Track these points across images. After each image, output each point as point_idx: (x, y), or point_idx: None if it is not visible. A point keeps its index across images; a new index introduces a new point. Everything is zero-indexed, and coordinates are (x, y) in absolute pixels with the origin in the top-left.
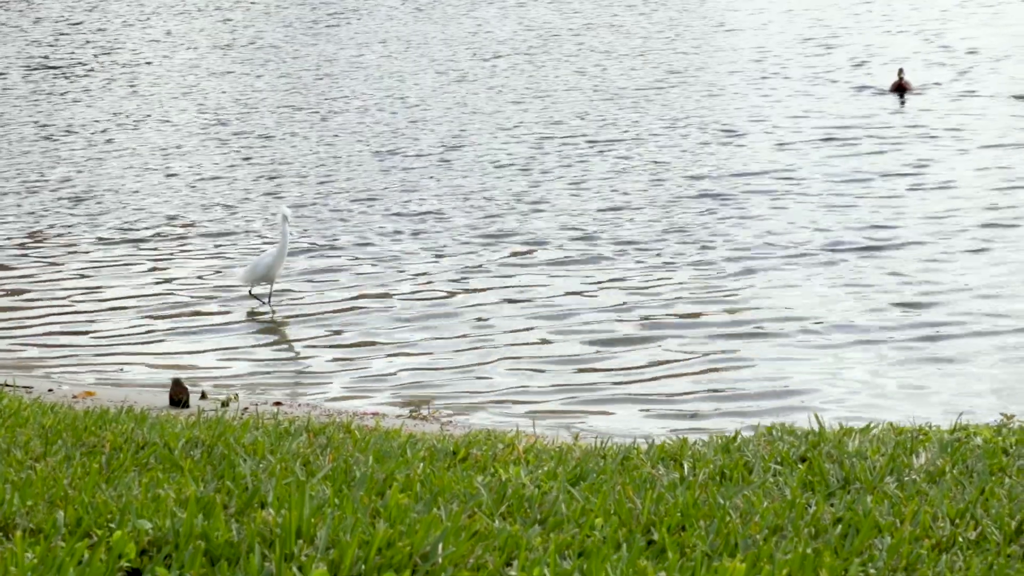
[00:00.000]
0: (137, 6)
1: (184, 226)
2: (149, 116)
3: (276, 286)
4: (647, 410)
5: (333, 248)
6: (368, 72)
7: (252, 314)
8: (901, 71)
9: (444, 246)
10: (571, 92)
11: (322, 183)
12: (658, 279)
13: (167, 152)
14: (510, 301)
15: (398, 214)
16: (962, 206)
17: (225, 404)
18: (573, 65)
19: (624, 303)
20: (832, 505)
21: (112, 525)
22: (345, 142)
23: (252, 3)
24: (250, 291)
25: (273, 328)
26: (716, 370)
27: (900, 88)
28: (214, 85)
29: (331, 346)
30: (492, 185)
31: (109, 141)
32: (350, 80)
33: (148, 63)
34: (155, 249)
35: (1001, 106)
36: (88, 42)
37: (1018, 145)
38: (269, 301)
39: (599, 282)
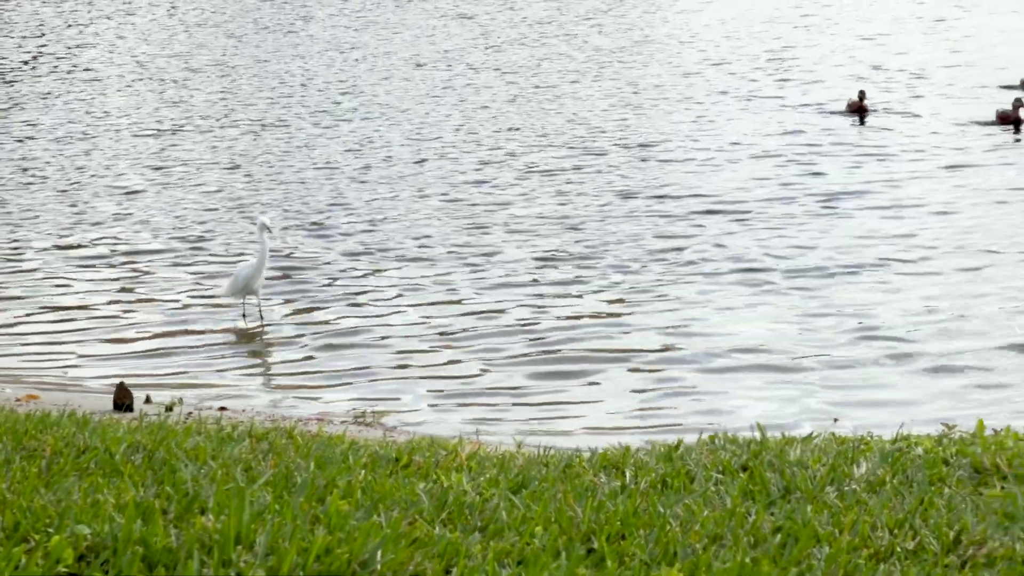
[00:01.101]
0: (85, 11)
1: (135, 233)
2: (97, 125)
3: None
4: (586, 421)
5: (285, 256)
6: (320, 82)
7: (201, 319)
8: (862, 93)
9: (395, 257)
10: (515, 105)
11: (270, 191)
12: (605, 297)
13: (113, 162)
14: (461, 313)
15: (355, 223)
16: (876, 231)
17: (169, 408)
18: (519, 77)
19: (568, 319)
20: (772, 514)
21: (50, 530)
22: (294, 156)
23: (198, 16)
24: (243, 315)
25: (222, 333)
26: (654, 390)
27: (860, 109)
28: (158, 95)
29: (280, 351)
30: (446, 198)
31: (61, 150)
32: (294, 90)
33: (92, 71)
34: (106, 256)
35: (958, 125)
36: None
37: (978, 165)
38: (260, 313)
39: (546, 298)
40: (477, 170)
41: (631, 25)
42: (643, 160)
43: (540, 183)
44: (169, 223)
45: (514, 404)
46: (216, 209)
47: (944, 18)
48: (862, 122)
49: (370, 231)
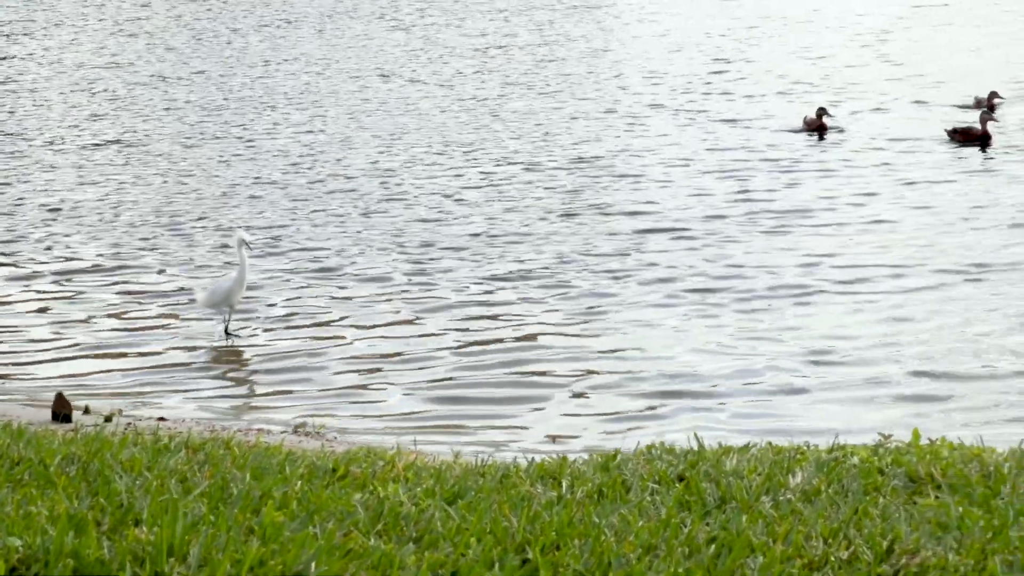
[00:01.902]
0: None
1: (72, 248)
2: (44, 135)
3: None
4: (527, 434)
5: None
6: (279, 96)
7: (145, 331)
8: (821, 109)
9: (339, 273)
10: (464, 118)
11: (211, 203)
12: (547, 316)
13: (48, 175)
14: (404, 327)
15: (298, 238)
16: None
17: (108, 419)
18: (466, 89)
19: (511, 336)
20: (707, 524)
21: None
22: (233, 170)
23: (131, 27)
24: (225, 330)
25: (165, 343)
26: (594, 414)
27: (819, 127)
28: (88, 107)
29: (223, 363)
30: (387, 215)
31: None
32: (250, 105)
33: (36, 82)
34: (42, 271)
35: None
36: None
37: (937, 181)
38: (227, 328)
39: (489, 315)
40: (418, 186)
41: (575, 38)
42: (590, 177)
43: (482, 199)
44: (107, 237)
45: (455, 416)
46: (153, 223)
47: (890, 30)
48: (821, 139)
49: (313, 247)
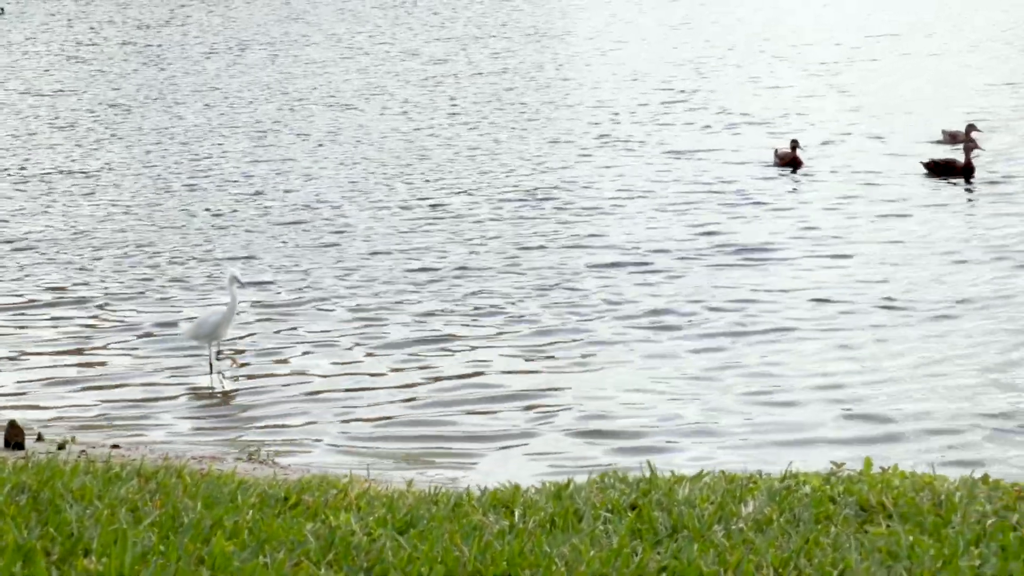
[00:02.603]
0: None
1: (28, 275)
2: None
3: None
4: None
5: (187, 289)
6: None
7: (101, 356)
8: (795, 142)
9: (295, 302)
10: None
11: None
12: (503, 348)
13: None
14: (362, 355)
15: (253, 268)
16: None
17: (61, 447)
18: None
19: (468, 370)
20: (659, 553)
21: None
22: (183, 200)
23: (73, 50)
24: (211, 365)
25: (121, 370)
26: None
27: (793, 160)
28: (29, 136)
29: (178, 390)
30: (332, 244)
31: None
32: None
33: None
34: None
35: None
36: None
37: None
38: (212, 362)
39: (447, 347)
40: (369, 218)
41: (531, 67)
42: (543, 210)
43: (433, 232)
44: (56, 268)
45: (411, 444)
46: (100, 254)
47: (840, 61)
48: (794, 172)
49: (264, 279)
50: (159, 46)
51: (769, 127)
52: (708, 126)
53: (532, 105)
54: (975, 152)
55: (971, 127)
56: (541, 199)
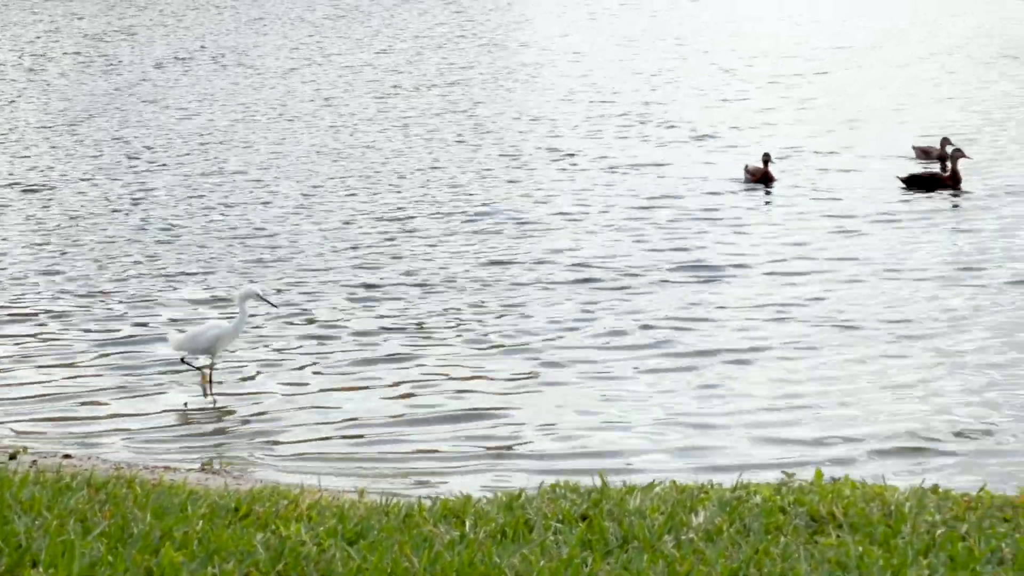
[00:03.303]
0: None
1: None
2: None
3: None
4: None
5: (136, 303)
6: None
7: (54, 365)
8: (767, 155)
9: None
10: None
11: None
12: (457, 361)
13: None
14: (323, 367)
15: (206, 281)
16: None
17: (13, 457)
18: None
19: (426, 381)
20: (608, 564)
21: None
22: (131, 214)
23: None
24: (209, 380)
25: (74, 379)
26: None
27: (765, 176)
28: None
29: (130, 397)
30: (282, 259)
31: None
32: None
33: None
34: None
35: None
36: None
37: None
38: (209, 382)
39: (408, 359)
40: (325, 234)
41: (487, 79)
42: (510, 224)
43: (382, 249)
44: (5, 277)
45: (365, 454)
46: (46, 261)
47: (801, 73)
48: (767, 190)
49: (217, 297)
50: (106, 56)
51: (736, 141)
52: (671, 140)
53: (486, 118)
54: (962, 161)
55: (946, 140)
56: (496, 215)
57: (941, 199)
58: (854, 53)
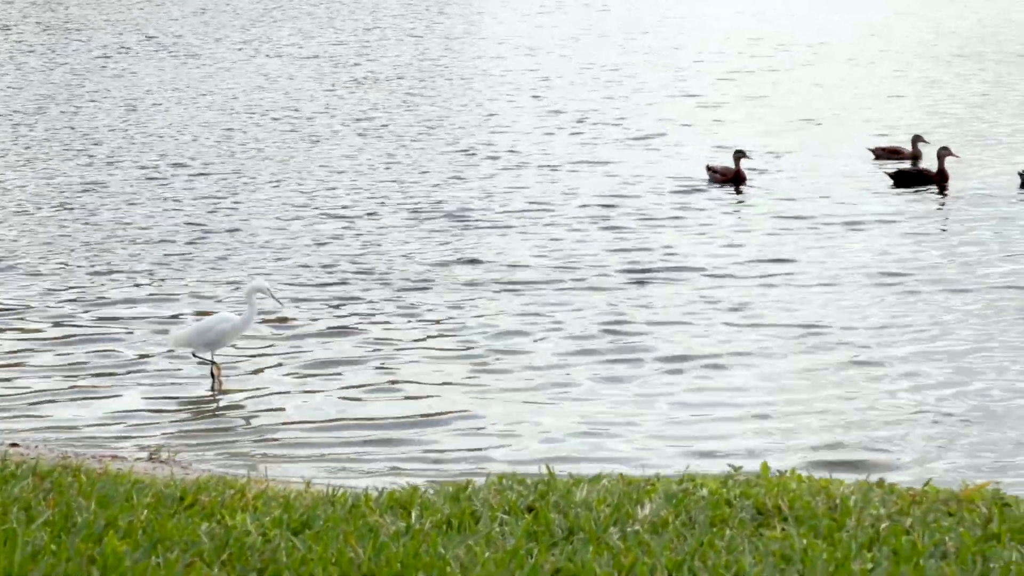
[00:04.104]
0: None
1: None
2: None
3: None
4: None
5: (93, 284)
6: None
7: (5, 352)
8: (739, 153)
9: (191, 287)
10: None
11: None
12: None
13: None
14: (273, 357)
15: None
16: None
17: None
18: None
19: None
20: (554, 555)
21: None
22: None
23: None
24: (194, 353)
25: (21, 366)
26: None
27: (736, 175)
28: None
29: (78, 386)
30: (234, 257)
31: None
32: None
33: None
34: None
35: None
36: None
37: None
38: (212, 374)
39: (360, 360)
40: (281, 230)
41: (439, 75)
42: (469, 225)
43: (331, 245)
44: None
45: (315, 444)
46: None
47: (753, 70)
48: (738, 190)
49: (171, 290)
50: (53, 49)
51: (691, 140)
52: (629, 139)
53: (436, 116)
54: (949, 159)
55: (918, 138)
56: (449, 214)
57: (924, 202)
58: (812, 50)
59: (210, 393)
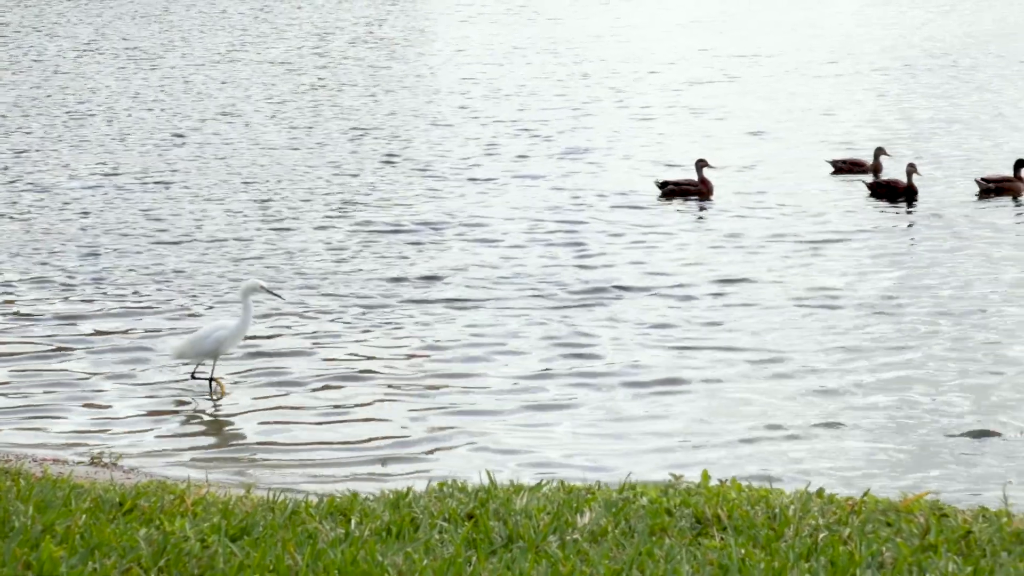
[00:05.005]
0: None
1: None
2: None
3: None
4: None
5: (41, 289)
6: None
7: None
8: (702, 161)
9: (152, 309)
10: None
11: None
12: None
13: None
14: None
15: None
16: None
17: None
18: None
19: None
20: (492, 563)
21: None
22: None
23: None
24: (194, 373)
25: None
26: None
27: (701, 189)
28: None
29: (23, 389)
30: (181, 271)
31: None
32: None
33: None
34: None
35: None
36: None
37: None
38: (211, 384)
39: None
40: (236, 236)
41: (392, 88)
42: (419, 240)
43: (286, 256)
44: None
45: (262, 453)
46: None
47: (697, 82)
48: (701, 206)
49: (113, 293)
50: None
51: (645, 155)
52: (572, 154)
53: (380, 126)
54: (915, 173)
55: (880, 151)
56: (402, 231)
57: (888, 216)
58: (757, 61)
59: (182, 403)
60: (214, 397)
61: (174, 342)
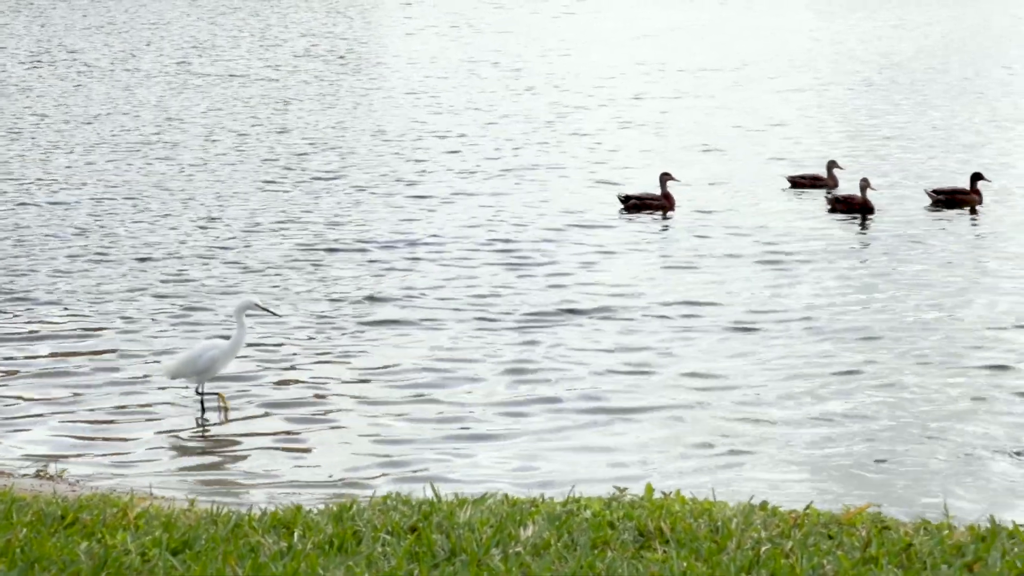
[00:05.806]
0: None
1: None
2: None
3: None
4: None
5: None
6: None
7: None
8: (666, 175)
9: (104, 322)
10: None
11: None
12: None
13: None
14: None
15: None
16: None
17: None
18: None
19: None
20: None
21: None
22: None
23: None
24: (200, 393)
25: None
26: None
27: (663, 204)
28: None
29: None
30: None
31: None
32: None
33: None
34: None
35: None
36: None
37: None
38: (200, 391)
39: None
40: (196, 261)
41: (343, 100)
42: (376, 259)
43: (248, 274)
44: None
45: (209, 468)
46: None
47: (643, 95)
48: (665, 215)
49: (66, 306)
50: None
51: (597, 172)
52: (524, 171)
53: (332, 145)
54: (868, 188)
55: (833, 164)
56: (347, 250)
57: (847, 233)
58: (710, 75)
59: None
60: (223, 418)
61: (167, 362)
